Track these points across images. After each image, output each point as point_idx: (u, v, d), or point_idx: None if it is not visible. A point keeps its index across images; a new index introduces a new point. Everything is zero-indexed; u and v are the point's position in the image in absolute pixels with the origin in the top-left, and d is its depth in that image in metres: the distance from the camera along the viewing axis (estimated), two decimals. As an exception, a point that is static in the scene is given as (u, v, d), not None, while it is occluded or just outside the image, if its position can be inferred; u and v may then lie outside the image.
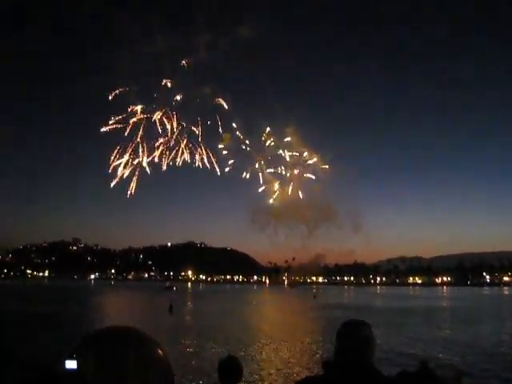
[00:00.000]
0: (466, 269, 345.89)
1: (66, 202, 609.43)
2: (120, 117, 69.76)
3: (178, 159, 76.59)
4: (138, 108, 73.64)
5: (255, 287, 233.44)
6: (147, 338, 1.63)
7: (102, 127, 73.69)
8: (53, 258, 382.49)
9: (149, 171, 75.00)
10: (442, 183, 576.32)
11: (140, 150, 74.97)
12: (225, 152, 76.61)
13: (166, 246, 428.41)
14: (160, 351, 1.63)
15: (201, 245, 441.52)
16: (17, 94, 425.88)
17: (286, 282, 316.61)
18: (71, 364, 1.51)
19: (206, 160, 75.06)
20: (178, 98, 74.86)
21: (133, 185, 77.70)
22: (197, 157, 74.47)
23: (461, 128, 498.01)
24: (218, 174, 76.88)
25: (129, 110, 73.24)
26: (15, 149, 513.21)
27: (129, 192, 77.95)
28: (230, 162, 77.07)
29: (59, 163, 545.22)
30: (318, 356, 27.85)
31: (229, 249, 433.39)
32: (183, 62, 72.98)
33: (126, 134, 73.70)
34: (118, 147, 72.08)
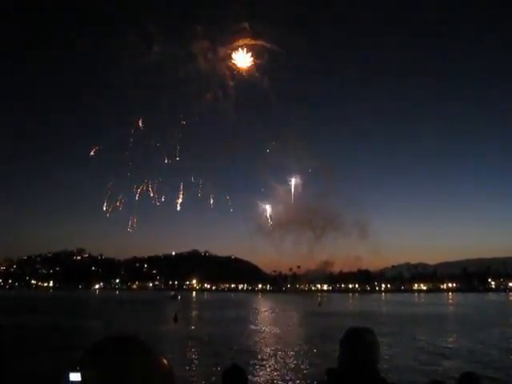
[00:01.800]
0: (471, 275, 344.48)
1: (70, 212, 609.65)
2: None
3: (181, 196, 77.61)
4: (140, 122, 74.29)
5: (260, 295, 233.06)
6: (150, 348, 1.63)
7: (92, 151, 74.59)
8: (57, 269, 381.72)
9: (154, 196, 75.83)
10: (446, 189, 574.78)
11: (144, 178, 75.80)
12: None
13: (171, 255, 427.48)
14: (164, 360, 1.62)
15: (205, 254, 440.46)
16: (18, 105, 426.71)
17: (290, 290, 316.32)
18: (75, 376, 1.50)
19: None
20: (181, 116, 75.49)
21: (134, 219, 78.28)
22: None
23: (465, 136, 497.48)
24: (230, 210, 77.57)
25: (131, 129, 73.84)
26: (17, 158, 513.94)
27: (130, 223, 78.64)
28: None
29: (63, 173, 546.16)
30: (321, 363, 27.89)
31: (233, 257, 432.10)
32: (182, 73, 73.63)
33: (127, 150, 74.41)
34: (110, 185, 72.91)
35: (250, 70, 74.47)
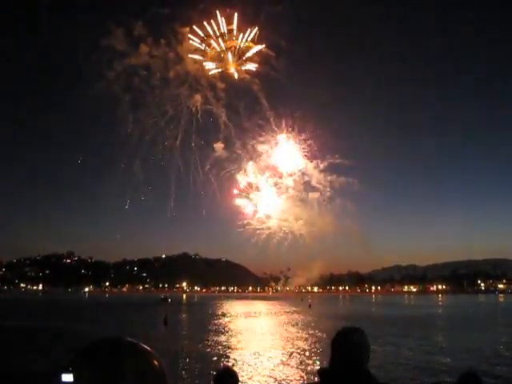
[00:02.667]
0: (461, 276, 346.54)
1: (60, 215, 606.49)
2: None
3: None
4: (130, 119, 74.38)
5: (250, 298, 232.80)
6: (143, 349, 1.64)
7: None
8: (47, 271, 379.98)
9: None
10: (437, 192, 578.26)
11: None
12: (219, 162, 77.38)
13: (161, 257, 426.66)
14: (155, 362, 1.64)
15: (195, 256, 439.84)
16: (16, 108, 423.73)
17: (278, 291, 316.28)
18: (67, 377, 1.50)
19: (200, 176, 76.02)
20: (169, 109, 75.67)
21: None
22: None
23: (457, 140, 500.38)
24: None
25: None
26: (13, 161, 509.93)
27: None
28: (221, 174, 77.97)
29: (54, 176, 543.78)
30: (313, 364, 27.89)
31: (223, 260, 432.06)
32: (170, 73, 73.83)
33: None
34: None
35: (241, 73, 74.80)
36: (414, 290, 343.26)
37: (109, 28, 72.51)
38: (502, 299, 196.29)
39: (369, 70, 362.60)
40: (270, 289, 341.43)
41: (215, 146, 75.79)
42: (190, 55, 74.01)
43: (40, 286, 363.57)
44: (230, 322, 66.93)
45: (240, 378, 5.47)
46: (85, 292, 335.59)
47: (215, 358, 30.74)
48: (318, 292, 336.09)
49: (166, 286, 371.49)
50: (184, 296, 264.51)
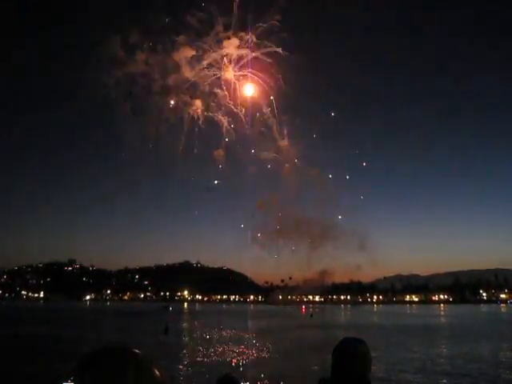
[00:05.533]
0: (463, 286, 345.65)
1: (61, 223, 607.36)
2: None
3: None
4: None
5: (251, 307, 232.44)
6: (144, 358, 1.62)
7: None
8: (48, 279, 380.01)
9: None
10: (438, 201, 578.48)
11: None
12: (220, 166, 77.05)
13: (162, 265, 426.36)
14: (156, 370, 1.61)
15: (197, 264, 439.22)
16: (18, 116, 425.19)
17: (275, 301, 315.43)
18: None
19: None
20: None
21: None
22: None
23: (458, 153, 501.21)
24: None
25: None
26: (14, 169, 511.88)
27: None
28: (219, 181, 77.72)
29: (56, 185, 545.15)
30: (314, 373, 27.83)
31: (225, 268, 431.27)
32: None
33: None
34: None
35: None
36: (416, 299, 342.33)
37: (107, 35, 71.97)
38: (503, 309, 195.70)
39: (374, 78, 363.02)
40: (271, 298, 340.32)
41: (215, 153, 75.62)
42: None
43: (41, 294, 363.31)
44: (232, 330, 66.71)
45: None
46: (86, 300, 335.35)
47: (216, 366, 30.68)
48: (320, 301, 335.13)
49: (168, 294, 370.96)
50: (185, 304, 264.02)
